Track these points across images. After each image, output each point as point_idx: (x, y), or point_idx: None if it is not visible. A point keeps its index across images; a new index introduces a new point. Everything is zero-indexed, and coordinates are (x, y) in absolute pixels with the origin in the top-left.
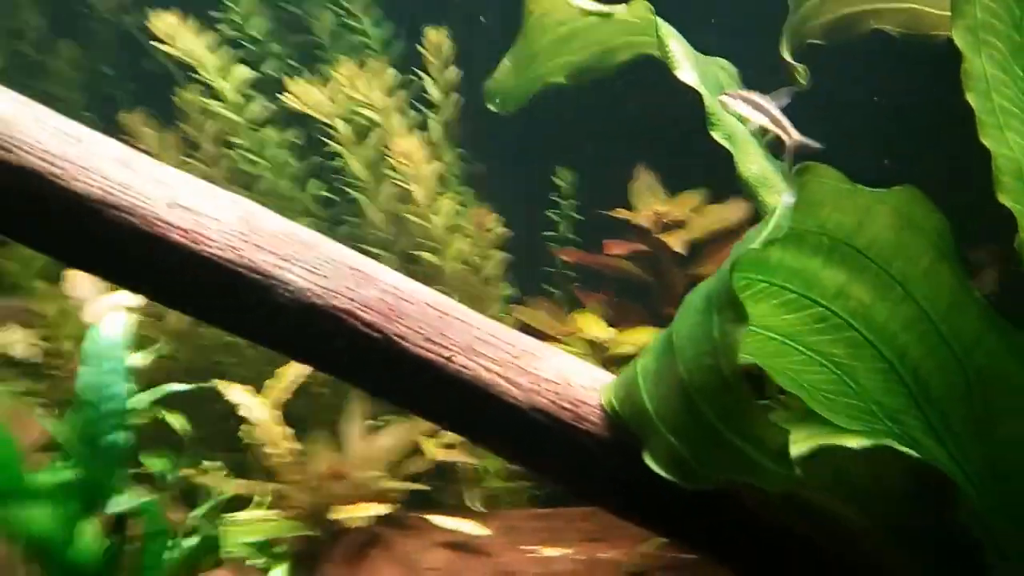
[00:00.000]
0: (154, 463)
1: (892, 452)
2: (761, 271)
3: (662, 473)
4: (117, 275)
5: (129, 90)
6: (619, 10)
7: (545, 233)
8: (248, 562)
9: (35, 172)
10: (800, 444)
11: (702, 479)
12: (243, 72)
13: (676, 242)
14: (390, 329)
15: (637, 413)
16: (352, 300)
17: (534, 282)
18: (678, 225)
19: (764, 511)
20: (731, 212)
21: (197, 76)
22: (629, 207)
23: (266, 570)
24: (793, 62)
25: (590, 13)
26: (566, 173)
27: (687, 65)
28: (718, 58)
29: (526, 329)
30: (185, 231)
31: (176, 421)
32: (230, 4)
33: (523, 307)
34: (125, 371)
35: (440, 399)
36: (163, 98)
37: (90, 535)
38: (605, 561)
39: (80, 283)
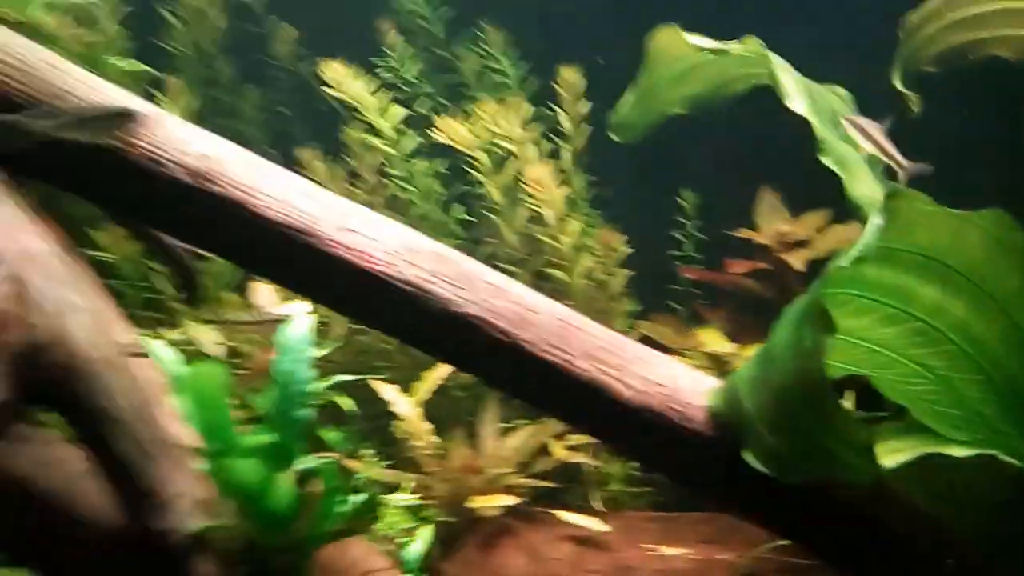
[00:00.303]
0: (328, 435)
1: (992, 460)
2: (860, 287)
3: (759, 468)
4: (298, 286)
5: (304, 128)
6: (733, 46)
7: (670, 252)
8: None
9: (237, 201)
10: (906, 452)
11: (795, 473)
12: (398, 111)
13: (797, 260)
14: (517, 335)
15: (739, 414)
16: (486, 310)
17: (659, 299)
18: (801, 244)
19: (854, 506)
20: (854, 232)
21: (359, 115)
22: (752, 227)
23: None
24: (906, 91)
25: (707, 50)
26: (690, 194)
27: (798, 95)
28: (833, 85)
29: (649, 343)
30: (353, 250)
31: (344, 403)
32: (388, 52)
33: (647, 322)
34: (309, 361)
35: (560, 397)
36: (332, 135)
37: (283, 486)
38: (721, 562)
39: (262, 293)
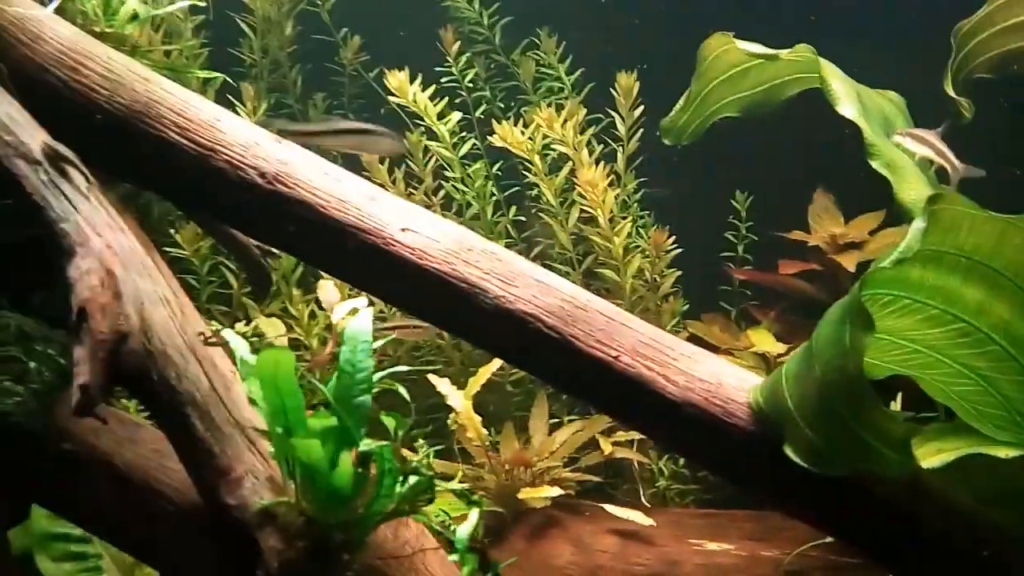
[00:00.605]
0: (388, 420)
1: None
2: (904, 288)
3: (799, 462)
4: (361, 282)
5: None
6: (784, 52)
7: (723, 253)
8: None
9: (307, 203)
10: (951, 452)
11: (833, 467)
12: (456, 116)
13: (849, 262)
14: (566, 331)
15: (780, 410)
16: (537, 307)
17: (712, 299)
18: (853, 246)
19: (891, 502)
20: (905, 235)
21: (419, 121)
22: (806, 229)
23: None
24: (958, 97)
25: (758, 56)
26: (742, 196)
27: (847, 101)
28: (886, 91)
29: (700, 342)
30: (413, 249)
31: (403, 391)
32: (448, 58)
33: (698, 322)
34: (370, 351)
35: (606, 392)
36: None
37: (345, 466)
38: (765, 559)
39: (328, 290)
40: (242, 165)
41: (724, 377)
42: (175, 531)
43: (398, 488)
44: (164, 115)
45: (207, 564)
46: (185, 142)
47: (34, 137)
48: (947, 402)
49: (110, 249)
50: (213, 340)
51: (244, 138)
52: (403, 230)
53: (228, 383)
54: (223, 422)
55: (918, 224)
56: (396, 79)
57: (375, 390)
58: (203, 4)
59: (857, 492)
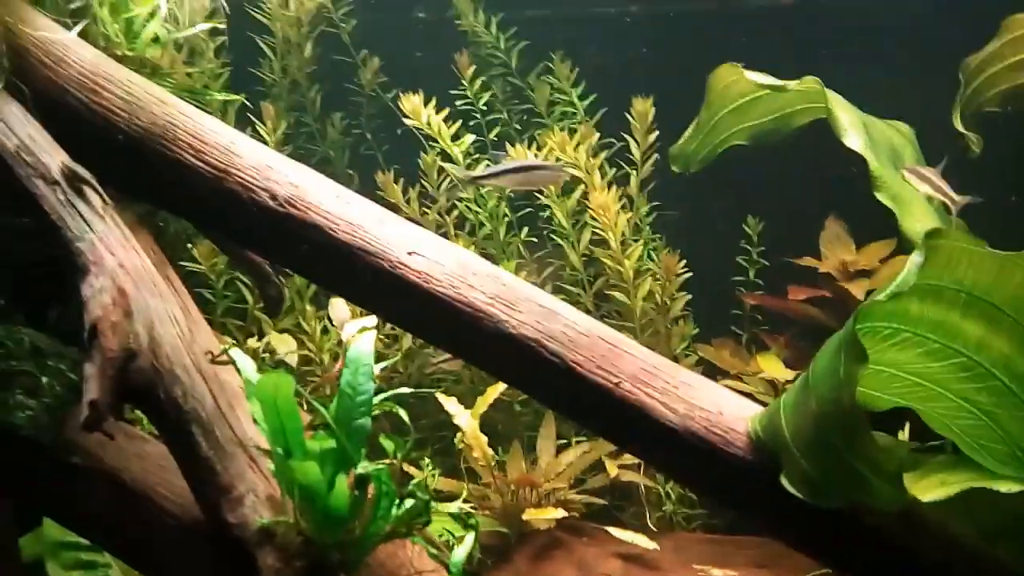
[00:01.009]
0: (387, 443)
1: None
2: (904, 322)
3: (794, 492)
4: (367, 303)
5: (385, 152)
6: (791, 83)
7: (734, 278)
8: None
9: (317, 225)
10: (954, 485)
11: (828, 498)
12: (470, 139)
13: (859, 290)
14: (568, 357)
15: (777, 440)
16: (540, 332)
17: (723, 324)
18: (863, 274)
19: (887, 532)
20: None
21: (433, 143)
22: (818, 255)
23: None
24: (966, 132)
25: (766, 86)
26: (754, 222)
27: (854, 132)
28: (895, 121)
29: (710, 367)
30: (419, 273)
31: (404, 414)
32: (463, 82)
33: (707, 346)
34: (371, 374)
35: (606, 418)
36: (411, 159)
37: (341, 488)
38: None
39: (339, 308)
40: (255, 187)
41: (724, 406)
42: (177, 546)
43: (395, 510)
44: (181, 137)
45: None
46: (200, 164)
47: (53, 158)
48: (949, 435)
49: (123, 268)
50: (221, 358)
51: (258, 161)
52: (410, 253)
53: (233, 402)
54: (226, 440)
55: (915, 259)
56: (410, 102)
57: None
58: (221, 26)
59: (853, 523)
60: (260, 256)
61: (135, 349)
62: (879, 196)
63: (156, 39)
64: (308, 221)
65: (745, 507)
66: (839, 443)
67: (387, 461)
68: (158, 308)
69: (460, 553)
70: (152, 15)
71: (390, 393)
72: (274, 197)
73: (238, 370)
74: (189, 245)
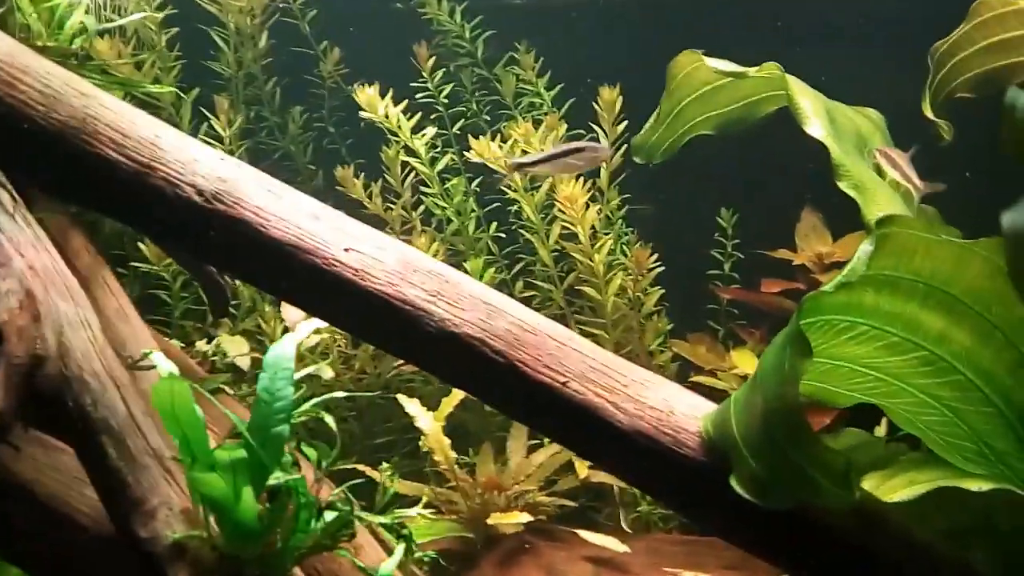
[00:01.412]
0: (309, 452)
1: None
2: (859, 314)
3: (743, 494)
4: (304, 303)
5: (346, 146)
6: (752, 70)
7: (709, 272)
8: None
9: (246, 221)
10: (921, 485)
11: (775, 499)
12: (431, 131)
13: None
14: (513, 356)
15: (727, 439)
16: (484, 330)
17: (699, 318)
18: (839, 266)
19: (841, 532)
20: None
21: (394, 136)
22: (794, 248)
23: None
24: (936, 119)
25: (726, 73)
26: (728, 214)
27: (816, 119)
28: (865, 108)
29: (685, 362)
30: (355, 270)
31: (330, 420)
32: (423, 74)
33: (681, 342)
34: (291, 379)
35: (553, 419)
36: (374, 153)
37: (249, 499)
38: None
39: (292, 309)
40: (180, 183)
41: (676, 404)
42: (91, 563)
43: (315, 523)
44: (101, 131)
45: None
46: (123, 159)
47: None
48: (916, 432)
49: (32, 270)
50: (141, 364)
51: (184, 155)
52: (347, 250)
53: (149, 410)
54: (139, 451)
55: (865, 248)
56: (365, 95)
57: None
58: (160, 16)
59: (808, 524)
60: (190, 254)
61: (43, 355)
62: (841, 185)
63: (84, 29)
64: (237, 217)
65: (697, 509)
66: (784, 441)
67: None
68: (69, 312)
69: (388, 566)
70: (73, 5)
71: (321, 399)
72: (200, 192)
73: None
74: (141, 244)
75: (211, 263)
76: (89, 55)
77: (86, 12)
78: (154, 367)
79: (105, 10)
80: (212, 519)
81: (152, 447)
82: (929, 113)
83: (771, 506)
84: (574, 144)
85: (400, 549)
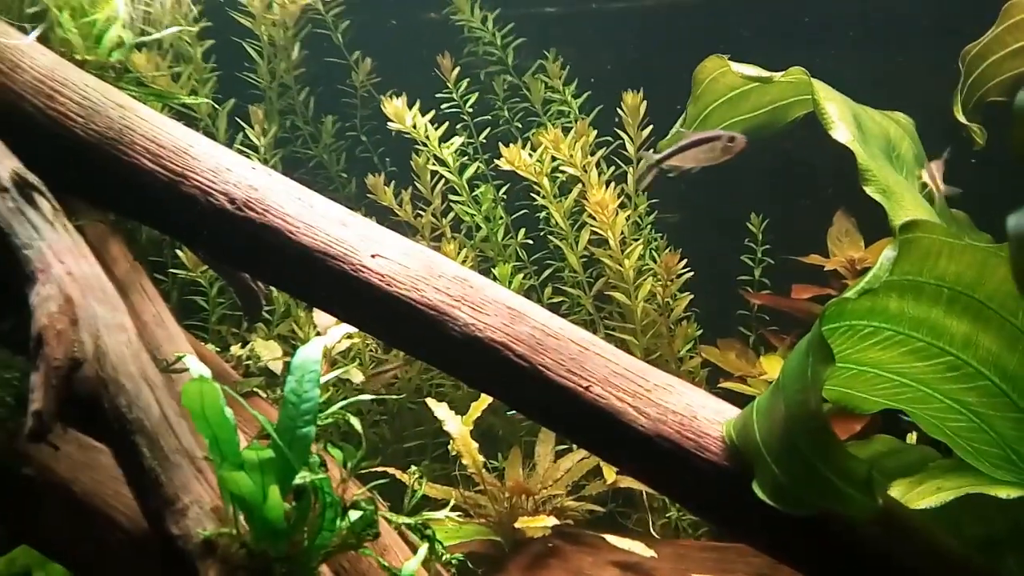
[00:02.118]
0: (335, 452)
1: None
2: (884, 319)
3: (765, 499)
4: (332, 308)
5: (378, 154)
6: (777, 75)
7: (740, 277)
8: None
9: (276, 228)
10: (948, 492)
11: (799, 505)
12: (458, 140)
13: None
14: (536, 360)
15: (750, 444)
16: (507, 334)
17: (730, 324)
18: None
19: (865, 539)
20: None
21: (422, 146)
22: (826, 253)
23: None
24: (968, 123)
25: (752, 79)
26: (757, 219)
27: (842, 124)
28: (894, 112)
29: (714, 368)
30: (382, 276)
31: (356, 423)
32: (450, 87)
33: (711, 348)
34: (318, 381)
35: (575, 423)
36: (404, 161)
37: (276, 497)
38: None
39: (323, 314)
40: (212, 191)
41: (699, 409)
42: (125, 559)
43: (340, 522)
44: (137, 142)
45: None
46: (158, 168)
47: (3, 165)
48: (943, 438)
49: (71, 276)
50: (176, 367)
51: (216, 164)
52: (373, 256)
53: (182, 412)
54: (172, 451)
55: (888, 253)
56: (392, 106)
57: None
58: (195, 29)
59: (830, 531)
60: (223, 261)
61: (80, 358)
62: (867, 189)
63: (121, 43)
64: (267, 224)
65: (720, 514)
66: (806, 448)
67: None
68: (105, 316)
69: (411, 565)
70: (111, 19)
71: (348, 401)
72: (232, 200)
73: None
74: (178, 251)
75: (242, 269)
76: (127, 68)
77: (123, 26)
78: (186, 370)
79: (141, 24)
80: (241, 517)
81: (184, 447)
82: (961, 117)
83: (793, 512)
84: (709, 134)
85: (424, 549)
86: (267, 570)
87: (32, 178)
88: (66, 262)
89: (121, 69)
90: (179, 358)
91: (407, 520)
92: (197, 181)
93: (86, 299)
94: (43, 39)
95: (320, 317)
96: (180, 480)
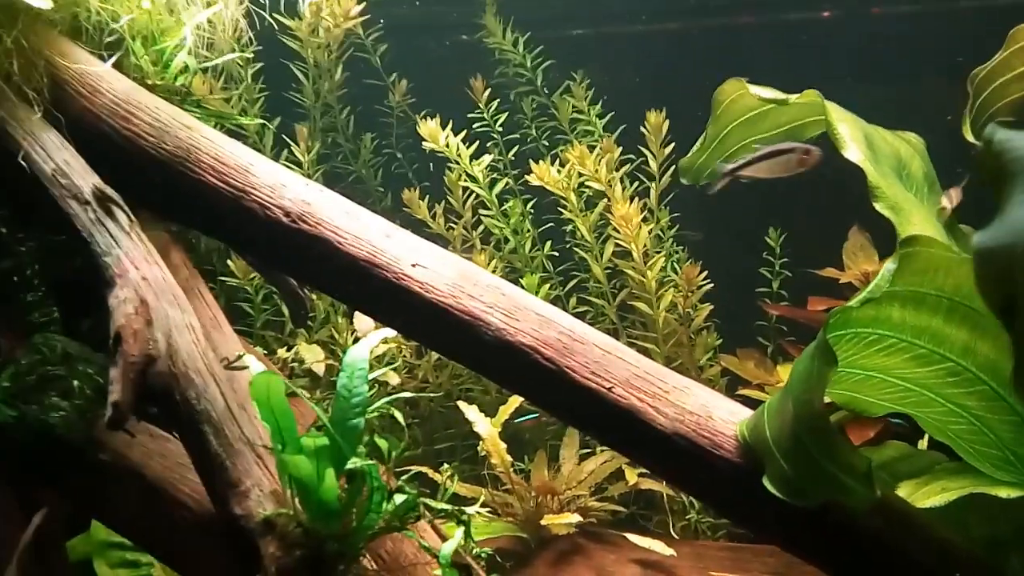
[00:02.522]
0: (381, 443)
1: None
2: (887, 327)
3: (775, 492)
4: (376, 313)
5: (413, 170)
6: (793, 97)
7: (759, 289)
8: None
9: (327, 239)
10: (952, 492)
11: (805, 498)
12: (487, 159)
13: None
14: (563, 363)
15: (761, 442)
16: (536, 339)
17: (750, 334)
18: None
19: (870, 532)
20: None
21: (454, 164)
22: (841, 266)
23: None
24: (978, 143)
25: (769, 100)
26: (775, 233)
27: (853, 144)
28: (905, 132)
29: (733, 377)
30: (421, 283)
31: (399, 415)
32: (481, 107)
33: (730, 356)
34: (366, 378)
35: (600, 421)
36: (438, 176)
37: (331, 480)
38: None
39: (363, 319)
40: (270, 205)
41: (714, 410)
42: (192, 537)
43: (386, 505)
44: (203, 160)
45: (218, 567)
46: (221, 184)
47: (86, 180)
48: (946, 440)
49: (145, 281)
50: (236, 364)
51: (274, 180)
52: (413, 265)
53: (245, 404)
54: (235, 439)
55: (888, 266)
56: (427, 127)
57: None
58: (250, 55)
59: (837, 524)
60: (278, 270)
61: (154, 354)
62: (877, 206)
63: (186, 68)
64: (318, 235)
65: (733, 508)
66: (811, 444)
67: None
68: (176, 317)
69: (449, 546)
70: (179, 46)
71: (393, 397)
72: (287, 214)
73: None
74: (229, 261)
75: (295, 276)
76: (189, 91)
77: (188, 53)
78: (245, 367)
79: (202, 50)
80: (297, 500)
81: (246, 436)
82: (970, 137)
83: (800, 504)
84: (784, 146)
85: (460, 532)
86: (320, 547)
87: (110, 192)
88: (141, 268)
89: (185, 92)
90: (239, 356)
91: (445, 506)
92: (256, 196)
93: (159, 301)
94: (118, 65)
95: (360, 322)
96: (243, 465)
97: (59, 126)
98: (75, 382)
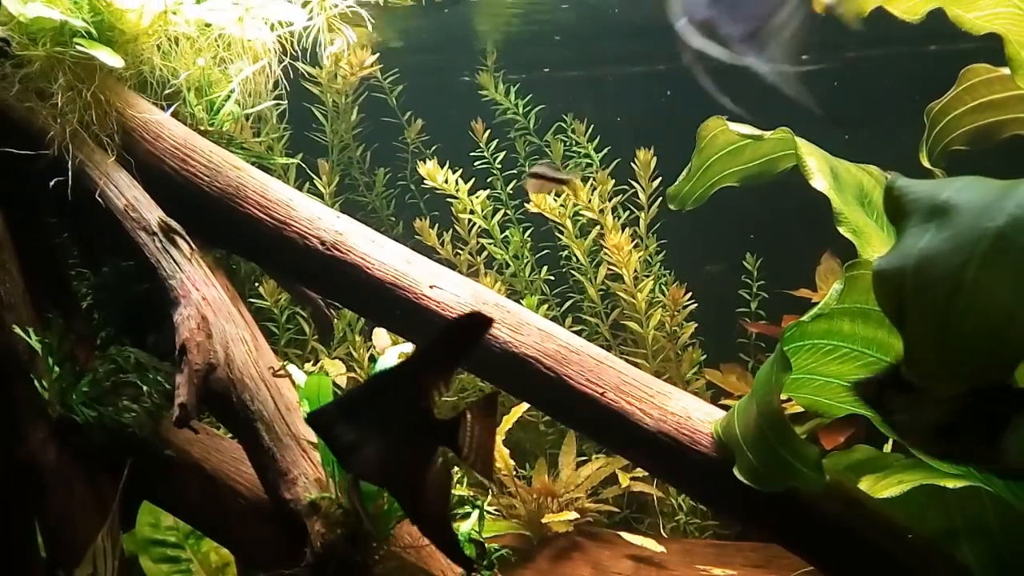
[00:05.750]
0: None
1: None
2: (840, 339)
3: (743, 480)
4: (399, 330)
5: (423, 201)
6: (767, 134)
7: (739, 309)
8: None
9: (355, 264)
10: (907, 484)
11: (768, 484)
12: (483, 193)
13: None
14: (561, 371)
15: (732, 438)
16: (538, 351)
17: (732, 351)
18: None
19: (829, 516)
20: None
21: (454, 198)
22: (814, 287)
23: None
24: (933, 167)
25: (746, 136)
26: (752, 258)
27: (820, 175)
28: (868, 165)
29: (717, 389)
30: (439, 303)
31: None
32: (481, 147)
33: (714, 371)
34: None
35: (594, 422)
36: (446, 206)
37: None
38: None
39: (381, 337)
40: (308, 235)
41: (693, 412)
42: (246, 520)
43: None
44: (250, 196)
45: (270, 545)
46: (265, 217)
47: (152, 213)
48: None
49: (205, 300)
50: (280, 373)
51: (310, 213)
52: (431, 287)
53: (290, 405)
54: (283, 435)
55: (836, 287)
56: (425, 168)
57: None
58: (284, 104)
59: (799, 507)
60: (313, 291)
61: (214, 363)
62: (841, 229)
63: (232, 115)
64: (349, 262)
65: (709, 496)
66: (772, 437)
67: None
68: (231, 332)
69: (466, 526)
70: (228, 96)
71: None
72: (323, 243)
73: (293, 382)
74: (257, 284)
75: (329, 297)
76: (232, 135)
77: (236, 102)
78: (288, 375)
79: (245, 97)
80: (338, 486)
81: (293, 432)
82: (927, 163)
83: (765, 489)
84: (561, 174)
85: (475, 514)
86: (358, 526)
87: (174, 223)
88: (200, 289)
89: (230, 136)
90: (283, 366)
91: (461, 492)
92: (296, 227)
93: (217, 317)
94: (175, 114)
95: (377, 339)
96: (291, 457)
97: (129, 167)
98: (145, 388)
